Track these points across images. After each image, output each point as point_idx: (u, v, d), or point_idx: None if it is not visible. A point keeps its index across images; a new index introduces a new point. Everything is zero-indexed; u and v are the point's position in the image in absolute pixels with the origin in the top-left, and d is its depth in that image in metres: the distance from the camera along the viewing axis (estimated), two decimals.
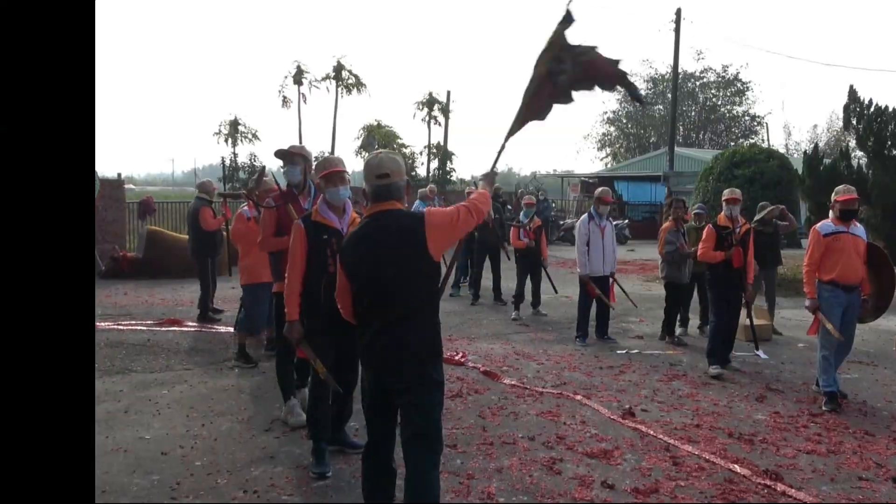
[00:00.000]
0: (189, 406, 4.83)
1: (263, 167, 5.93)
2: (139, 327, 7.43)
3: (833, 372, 5.15)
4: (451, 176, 27.61)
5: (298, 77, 24.39)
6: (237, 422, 4.54)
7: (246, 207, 6.02)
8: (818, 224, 5.29)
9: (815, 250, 5.17)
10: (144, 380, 5.49)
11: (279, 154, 4.53)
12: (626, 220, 22.09)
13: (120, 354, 6.23)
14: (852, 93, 16.23)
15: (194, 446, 4.09)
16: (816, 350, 5.35)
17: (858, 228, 5.22)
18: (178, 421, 4.53)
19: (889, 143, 15.72)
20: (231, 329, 7.01)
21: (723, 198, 6.24)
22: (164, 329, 7.36)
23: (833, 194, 5.28)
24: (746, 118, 43.37)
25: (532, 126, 3.08)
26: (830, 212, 5.31)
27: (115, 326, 7.35)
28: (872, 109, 15.89)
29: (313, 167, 4.32)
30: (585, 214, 7.38)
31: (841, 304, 5.13)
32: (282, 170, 4.71)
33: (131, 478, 3.63)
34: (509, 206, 13.20)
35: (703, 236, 6.15)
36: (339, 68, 24.84)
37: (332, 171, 3.73)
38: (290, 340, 3.76)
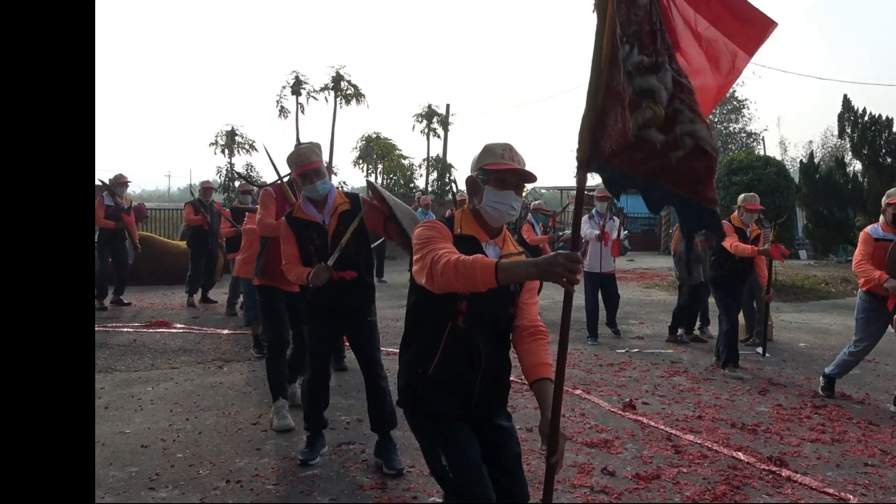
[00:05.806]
0: (173, 402, 4.67)
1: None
2: (125, 329, 7.27)
3: (846, 372, 5.09)
4: (449, 188, 27.55)
5: (297, 87, 24.26)
6: (223, 416, 4.37)
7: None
8: (869, 227, 4.89)
9: (866, 248, 4.76)
10: (128, 378, 5.31)
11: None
12: (626, 232, 22.07)
13: (103, 354, 6.04)
14: (846, 102, 16.26)
15: (177, 440, 3.93)
16: (844, 352, 5.04)
17: None
18: (161, 416, 4.36)
19: (883, 151, 15.74)
20: (222, 331, 7.34)
21: (743, 203, 5.90)
22: (150, 330, 7.20)
23: (885, 197, 4.84)
24: (743, 135, 43.62)
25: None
26: (882, 216, 4.88)
27: (100, 328, 7.16)
28: (867, 118, 15.91)
29: (287, 161, 3.78)
30: (586, 216, 7.35)
31: (881, 315, 4.79)
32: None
33: (107, 470, 3.47)
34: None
35: (725, 231, 5.77)
36: (337, 79, 24.74)
37: (305, 167, 3.51)
38: (321, 280, 3.41)
